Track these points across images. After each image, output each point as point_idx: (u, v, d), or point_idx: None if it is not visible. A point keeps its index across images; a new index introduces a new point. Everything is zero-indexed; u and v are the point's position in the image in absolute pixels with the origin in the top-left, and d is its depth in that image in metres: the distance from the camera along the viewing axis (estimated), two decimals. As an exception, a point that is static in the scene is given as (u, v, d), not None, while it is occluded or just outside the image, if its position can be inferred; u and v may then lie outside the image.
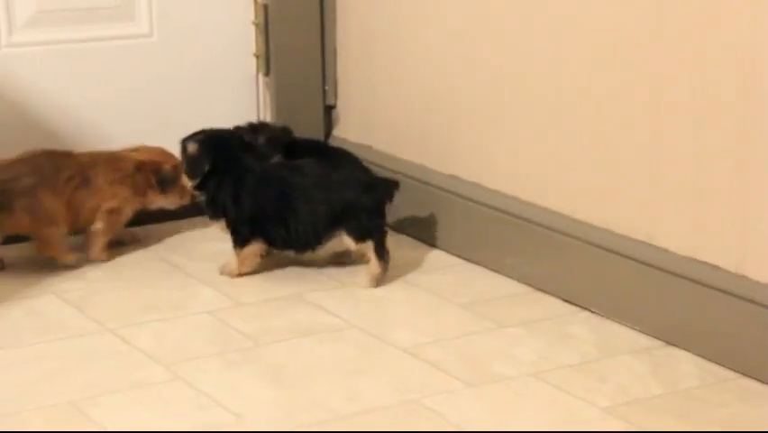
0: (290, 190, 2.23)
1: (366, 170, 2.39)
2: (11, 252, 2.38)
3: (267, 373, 1.87)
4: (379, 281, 2.23)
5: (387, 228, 2.24)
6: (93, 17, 2.45)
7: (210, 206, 2.29)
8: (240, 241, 2.26)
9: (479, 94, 2.31)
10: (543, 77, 2.17)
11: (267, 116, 2.64)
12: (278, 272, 2.30)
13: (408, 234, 2.48)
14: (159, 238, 2.47)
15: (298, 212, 2.22)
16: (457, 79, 2.36)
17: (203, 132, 2.29)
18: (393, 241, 2.46)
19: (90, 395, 1.79)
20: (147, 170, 2.38)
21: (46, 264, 2.31)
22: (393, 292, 2.21)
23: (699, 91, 1.89)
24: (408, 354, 1.94)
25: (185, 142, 2.28)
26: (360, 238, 2.21)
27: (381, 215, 2.23)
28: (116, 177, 2.35)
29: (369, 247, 2.21)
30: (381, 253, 2.22)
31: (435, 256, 2.38)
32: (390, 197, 2.25)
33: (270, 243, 2.26)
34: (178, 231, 2.50)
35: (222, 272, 2.28)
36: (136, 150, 2.41)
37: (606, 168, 2.07)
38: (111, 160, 2.36)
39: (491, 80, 2.28)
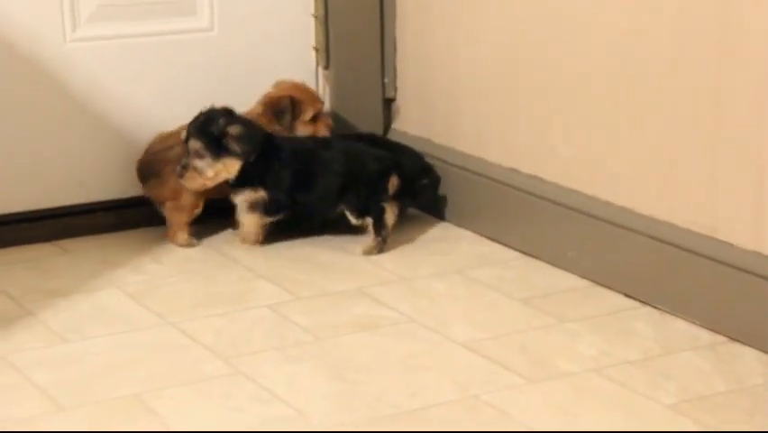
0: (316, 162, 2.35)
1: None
2: (75, 245, 2.41)
3: (327, 368, 1.88)
4: (371, 253, 2.34)
5: (385, 205, 2.34)
6: (155, 12, 2.47)
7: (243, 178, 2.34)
8: (274, 210, 2.36)
9: (538, 87, 2.29)
10: (604, 69, 2.15)
11: (326, 109, 2.64)
12: (336, 267, 2.30)
13: (467, 228, 2.47)
14: (217, 232, 2.48)
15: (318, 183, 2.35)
16: (517, 72, 2.34)
17: (213, 115, 2.33)
18: (451, 234, 2.47)
19: (153, 388, 1.81)
20: (267, 112, 2.45)
21: (108, 258, 2.33)
22: (452, 287, 2.20)
23: (762, 84, 1.86)
24: (468, 350, 1.94)
25: (212, 128, 2.30)
26: (360, 215, 2.34)
27: (382, 191, 2.33)
28: None
29: (368, 222, 2.34)
30: (379, 228, 2.33)
31: (495, 250, 2.37)
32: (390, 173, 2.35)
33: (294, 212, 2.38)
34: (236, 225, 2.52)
35: (243, 242, 2.38)
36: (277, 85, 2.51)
37: (669, 161, 2.05)
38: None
39: (551, 73, 2.26)
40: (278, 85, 2.51)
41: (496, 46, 2.38)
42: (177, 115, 2.49)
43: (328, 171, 2.36)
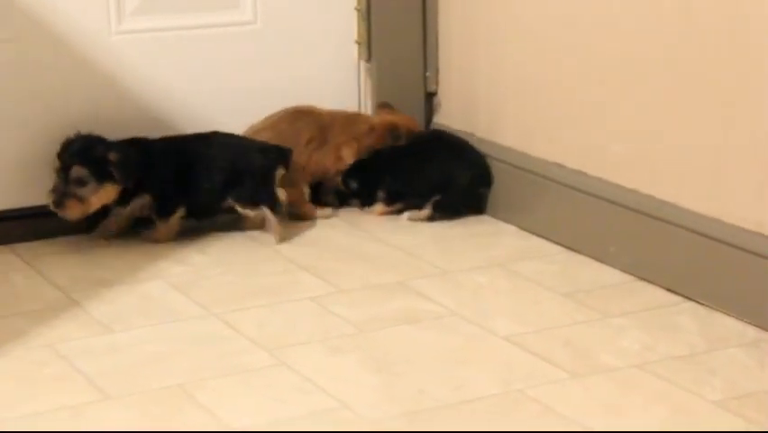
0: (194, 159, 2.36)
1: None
2: (120, 235, 2.42)
3: (370, 360, 1.88)
4: (285, 239, 2.36)
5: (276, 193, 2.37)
6: (198, 5, 2.48)
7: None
8: (165, 211, 2.35)
9: (583, 80, 2.28)
10: (650, 64, 2.13)
11: (367, 103, 2.65)
12: (378, 259, 2.30)
13: (510, 222, 2.47)
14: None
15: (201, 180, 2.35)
16: (560, 65, 2.33)
17: (90, 141, 2.31)
18: (494, 229, 2.46)
19: (197, 379, 1.82)
20: (382, 130, 2.51)
21: (153, 250, 2.35)
22: (495, 280, 2.20)
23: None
24: (512, 344, 1.93)
25: (94, 153, 2.28)
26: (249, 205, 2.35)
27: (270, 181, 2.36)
28: (349, 138, 2.49)
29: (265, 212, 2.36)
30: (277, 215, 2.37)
31: (538, 245, 2.36)
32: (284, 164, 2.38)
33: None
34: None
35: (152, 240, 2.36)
36: (384, 109, 2.58)
37: (716, 156, 2.03)
38: (348, 120, 2.52)
39: (596, 66, 2.25)
40: (392, 112, 2.57)
41: (540, 41, 2.37)
42: (219, 105, 2.51)
43: (210, 167, 2.35)
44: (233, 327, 2.00)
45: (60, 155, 2.29)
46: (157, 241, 2.36)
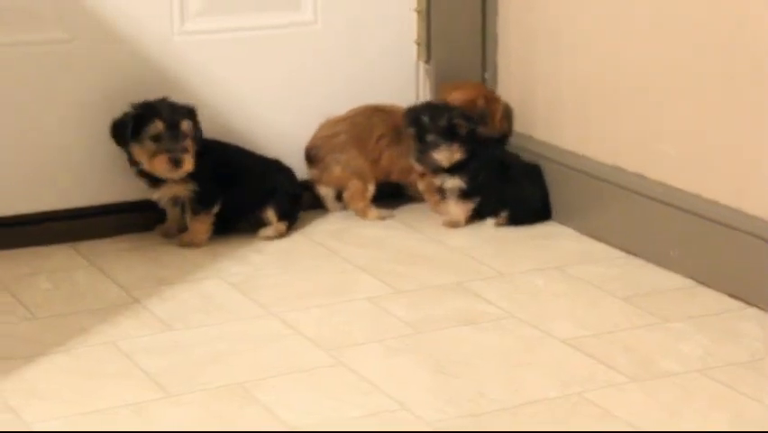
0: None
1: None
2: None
3: (428, 361, 1.88)
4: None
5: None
6: (260, 6, 2.50)
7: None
8: (206, 202, 2.35)
9: (643, 84, 2.27)
10: (711, 67, 2.11)
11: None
12: (435, 260, 2.30)
13: (569, 226, 2.46)
14: (318, 224, 2.50)
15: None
16: (619, 68, 2.32)
17: (168, 102, 2.32)
18: (552, 231, 2.45)
19: (257, 378, 1.83)
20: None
21: (212, 249, 2.36)
22: (553, 283, 2.19)
23: None
24: (570, 347, 1.93)
25: (180, 112, 2.29)
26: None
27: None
28: None
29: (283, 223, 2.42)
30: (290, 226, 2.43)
31: (597, 248, 2.35)
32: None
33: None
34: (336, 217, 2.54)
35: (187, 245, 2.35)
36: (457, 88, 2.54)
37: (779, 160, 2.01)
38: None
39: (656, 71, 2.23)
40: (460, 87, 2.53)
41: (600, 43, 2.36)
42: (280, 104, 2.53)
43: (254, 179, 2.39)
44: (292, 327, 2.02)
45: (162, 116, 2.26)
46: (191, 243, 2.35)
